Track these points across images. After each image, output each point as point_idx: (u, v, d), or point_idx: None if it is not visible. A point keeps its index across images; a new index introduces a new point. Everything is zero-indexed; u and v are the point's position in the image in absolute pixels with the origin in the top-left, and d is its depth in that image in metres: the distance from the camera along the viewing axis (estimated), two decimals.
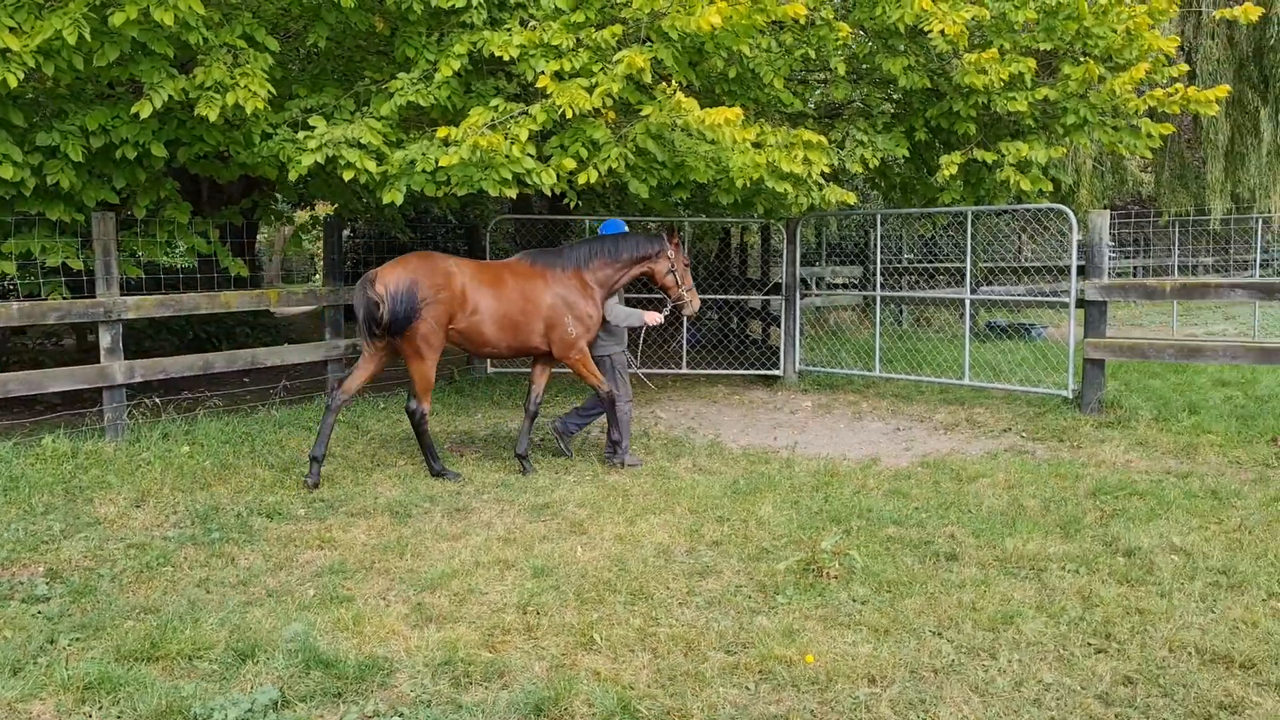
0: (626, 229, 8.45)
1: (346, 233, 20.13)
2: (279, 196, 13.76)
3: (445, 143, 7.63)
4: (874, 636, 4.53)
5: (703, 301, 14.24)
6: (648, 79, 7.62)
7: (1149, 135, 9.83)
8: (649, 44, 7.93)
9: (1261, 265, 21.93)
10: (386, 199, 8.12)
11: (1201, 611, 4.73)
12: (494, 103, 7.90)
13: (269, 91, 7.77)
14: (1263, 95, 15.94)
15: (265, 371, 10.95)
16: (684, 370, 12.52)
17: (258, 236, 20.12)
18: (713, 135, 7.79)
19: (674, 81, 7.94)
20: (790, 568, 5.37)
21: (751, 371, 12.66)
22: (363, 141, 7.95)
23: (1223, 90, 9.56)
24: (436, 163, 7.74)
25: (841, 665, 4.21)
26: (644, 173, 8.71)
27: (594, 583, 5.24)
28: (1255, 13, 9.42)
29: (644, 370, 12.44)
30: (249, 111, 7.68)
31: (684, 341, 12.58)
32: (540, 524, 6.38)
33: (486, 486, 7.36)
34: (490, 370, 12.38)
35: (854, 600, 4.97)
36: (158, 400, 9.20)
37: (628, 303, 9.95)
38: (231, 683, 4.07)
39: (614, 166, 8.08)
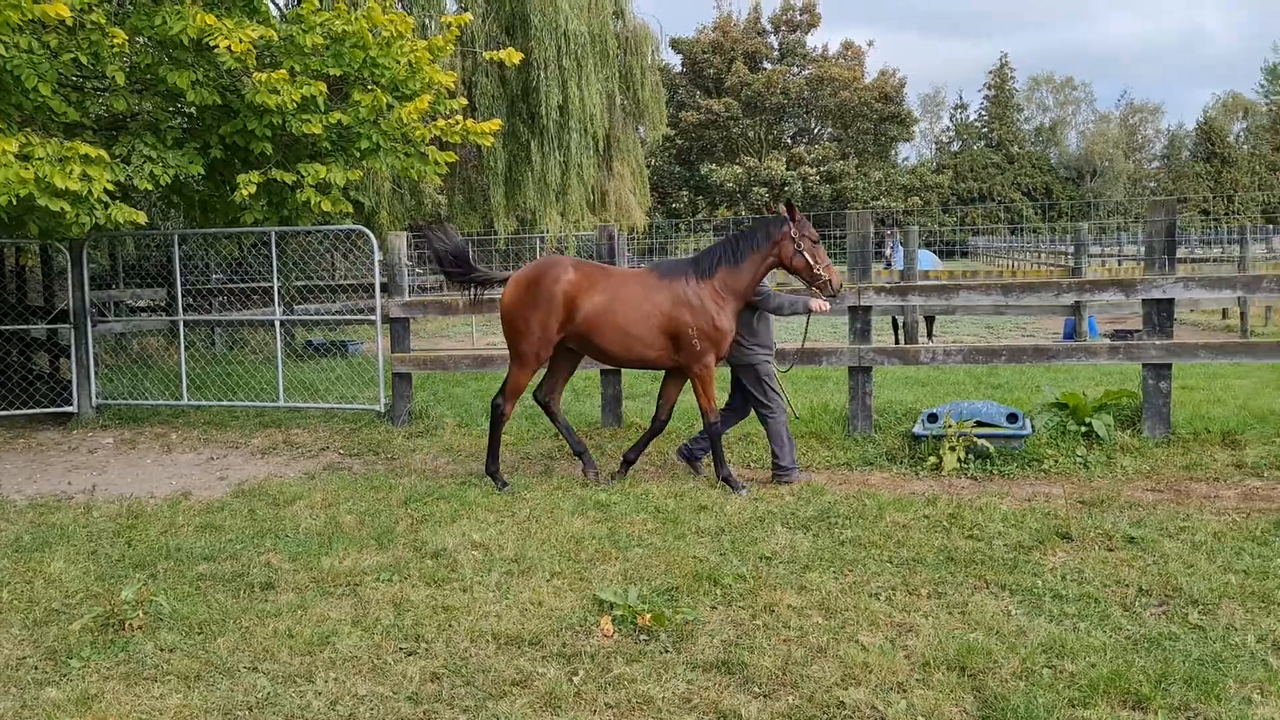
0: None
1: None
2: None
3: None
4: (184, 684, 4.27)
5: None
6: None
7: (436, 162, 10.54)
8: None
9: None
10: None
11: (498, 599, 5.18)
12: None
13: None
14: (532, 129, 18.06)
15: None
16: None
17: None
18: None
19: None
20: (86, 626, 4.86)
21: (38, 410, 11.25)
22: None
23: (496, 124, 10.63)
24: None
25: None
26: None
27: None
28: (517, 57, 10.62)
29: None
30: None
31: None
32: None
33: None
34: None
35: (161, 649, 4.63)
36: None
37: None
38: None
39: None
